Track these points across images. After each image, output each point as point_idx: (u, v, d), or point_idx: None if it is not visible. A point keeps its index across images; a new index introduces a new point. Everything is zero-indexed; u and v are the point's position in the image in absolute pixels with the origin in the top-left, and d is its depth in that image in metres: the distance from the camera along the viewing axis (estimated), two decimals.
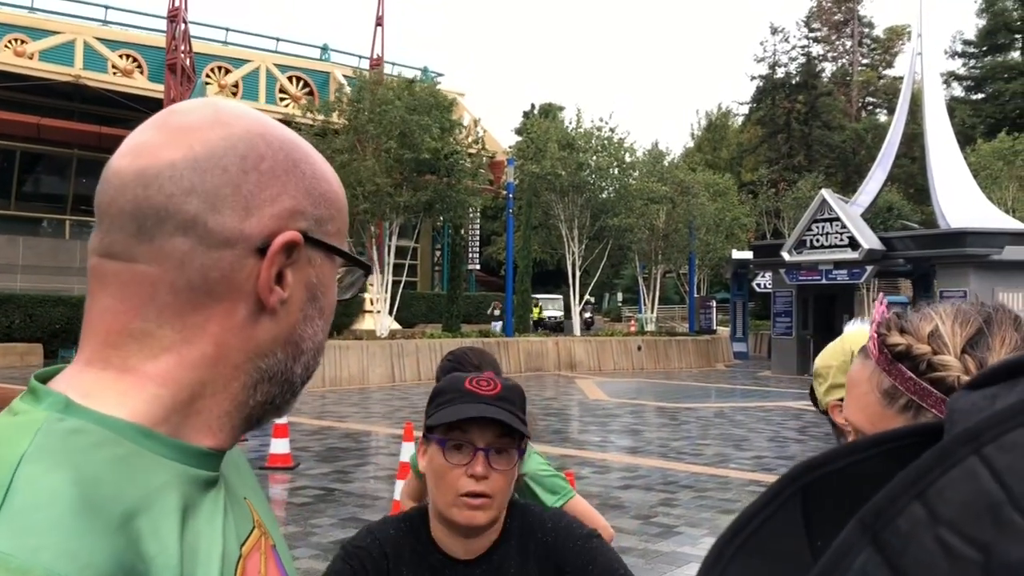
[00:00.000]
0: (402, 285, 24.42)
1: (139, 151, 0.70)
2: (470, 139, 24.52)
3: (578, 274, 27.82)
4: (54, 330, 23.94)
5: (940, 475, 0.28)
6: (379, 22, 34.25)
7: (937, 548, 0.27)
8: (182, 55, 28.14)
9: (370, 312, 25.71)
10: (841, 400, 1.66)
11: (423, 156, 21.16)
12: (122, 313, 0.69)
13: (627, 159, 28.25)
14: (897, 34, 55.74)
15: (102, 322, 0.70)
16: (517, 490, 2.44)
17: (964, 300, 1.02)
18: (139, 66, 32.68)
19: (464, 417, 1.53)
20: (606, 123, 28.06)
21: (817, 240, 23.09)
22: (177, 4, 27.90)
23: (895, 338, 0.96)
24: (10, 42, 30.11)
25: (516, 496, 1.75)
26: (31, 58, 29.96)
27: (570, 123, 29.41)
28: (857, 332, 1.71)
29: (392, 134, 21.18)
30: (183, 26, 28.29)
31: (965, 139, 42.59)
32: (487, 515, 1.55)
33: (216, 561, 0.67)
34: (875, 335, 1.00)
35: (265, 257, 0.70)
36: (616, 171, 28.04)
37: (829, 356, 1.72)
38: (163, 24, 29.89)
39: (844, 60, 58.28)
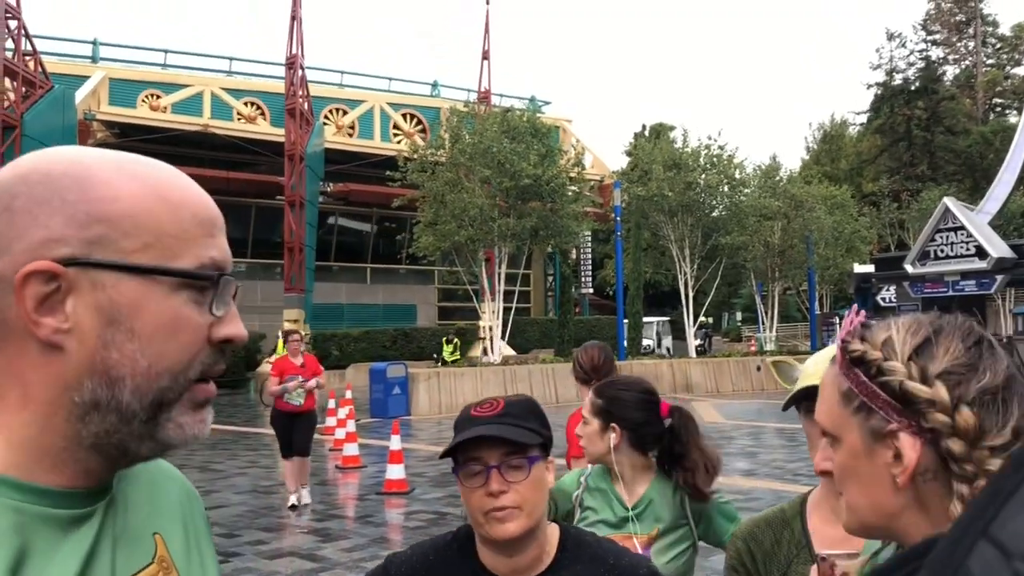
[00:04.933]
0: (513, 311, 24.75)
1: None
2: (570, 164, 24.76)
3: (691, 294, 27.50)
4: None
5: (999, 508, 0.28)
6: (485, 56, 35.08)
7: None
8: (300, 100, 29.56)
9: (483, 339, 26.17)
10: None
11: (523, 182, 21.56)
12: None
13: (737, 175, 27.84)
14: None
15: None
16: (692, 516, 2.43)
17: (930, 312, 1.07)
18: (262, 112, 34.48)
19: (461, 440, 1.60)
20: (715, 140, 27.77)
21: (942, 250, 22.14)
22: (295, 52, 29.37)
23: (854, 345, 1.03)
24: (146, 97, 32.35)
25: (568, 524, 1.77)
26: (164, 111, 32.10)
27: (677, 143, 29.27)
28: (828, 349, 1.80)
29: (490, 164, 21.70)
30: (300, 72, 29.73)
31: None
32: (517, 524, 1.59)
33: None
34: (840, 342, 1.07)
35: None
36: (726, 188, 27.67)
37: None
38: (283, 71, 31.49)
39: (967, 61, 55.74)
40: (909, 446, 0.96)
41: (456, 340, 24.92)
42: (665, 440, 2.46)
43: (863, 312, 1.17)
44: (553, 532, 1.70)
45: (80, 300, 0.72)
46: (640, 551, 2.30)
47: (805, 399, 1.68)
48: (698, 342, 29.27)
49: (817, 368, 1.71)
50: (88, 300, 0.73)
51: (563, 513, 2.56)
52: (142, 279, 0.74)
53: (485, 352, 24.38)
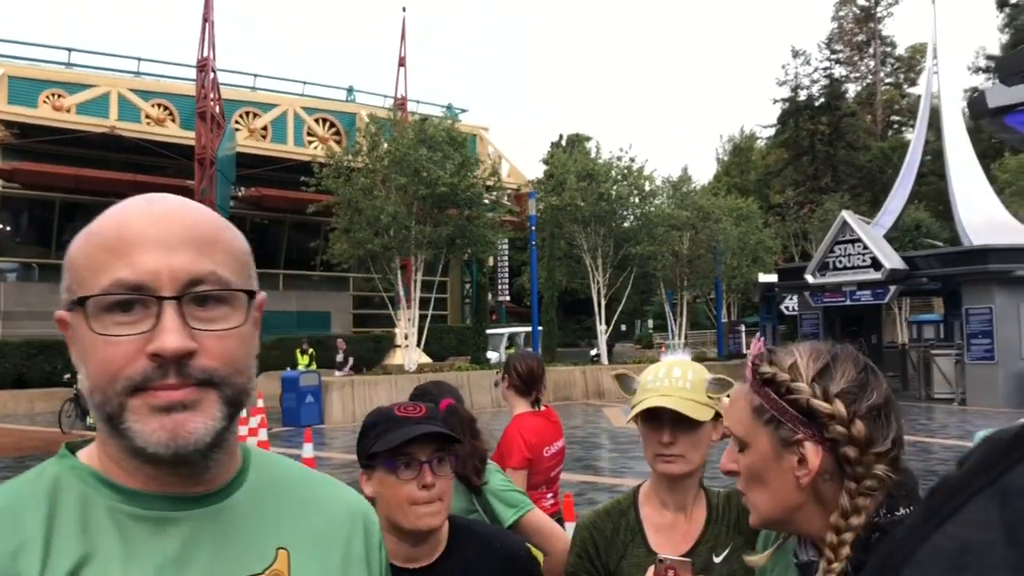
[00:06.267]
0: (428, 319, 24.74)
1: None
2: (487, 173, 24.91)
3: (603, 303, 28.00)
4: None
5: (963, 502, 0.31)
6: (401, 63, 35.04)
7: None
8: (211, 103, 28.98)
9: (400, 347, 26.12)
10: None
11: (439, 191, 21.63)
12: None
13: (647, 187, 28.48)
14: (920, 52, 55.52)
15: None
16: (480, 505, 2.69)
17: (819, 341, 1.29)
18: (171, 115, 33.68)
19: (412, 436, 1.74)
20: (625, 152, 28.37)
21: (840, 262, 23.10)
22: (206, 54, 28.80)
23: (765, 367, 1.22)
24: (48, 97, 31.24)
25: (459, 515, 1.94)
26: (68, 111, 31.05)
27: (591, 153, 29.76)
28: (672, 360, 2.00)
29: (406, 171, 21.70)
30: (212, 75, 29.16)
31: (995, 153, 42.27)
32: (441, 517, 1.78)
33: None
34: (750, 364, 1.26)
35: None
36: (636, 199, 28.28)
37: None
38: (193, 72, 30.86)
39: (867, 80, 58.24)
40: (812, 452, 1.16)
41: (311, 350, 23.68)
42: None
43: (763, 340, 1.42)
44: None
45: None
46: None
47: (647, 414, 1.89)
48: (595, 352, 29.60)
49: (657, 382, 1.92)
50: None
51: None
52: (73, 312, 0.88)
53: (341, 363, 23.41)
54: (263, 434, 13.54)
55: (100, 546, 0.84)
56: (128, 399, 0.84)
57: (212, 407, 0.86)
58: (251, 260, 0.96)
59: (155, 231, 0.86)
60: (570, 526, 5.05)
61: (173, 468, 0.87)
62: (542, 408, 3.94)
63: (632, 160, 28.08)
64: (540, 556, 2.84)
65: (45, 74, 32.08)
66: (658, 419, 1.88)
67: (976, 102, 18.84)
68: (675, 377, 1.91)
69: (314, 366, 22.85)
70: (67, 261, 0.89)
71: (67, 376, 20.17)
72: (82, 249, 0.88)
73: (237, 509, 0.92)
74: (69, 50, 34.20)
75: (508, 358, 4.05)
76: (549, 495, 3.84)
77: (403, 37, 34.84)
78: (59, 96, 31.41)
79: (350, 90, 40.91)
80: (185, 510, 0.88)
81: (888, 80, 58.51)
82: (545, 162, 51.72)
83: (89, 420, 20.56)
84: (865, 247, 22.45)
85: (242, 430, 15.58)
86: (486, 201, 24.45)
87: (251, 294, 0.91)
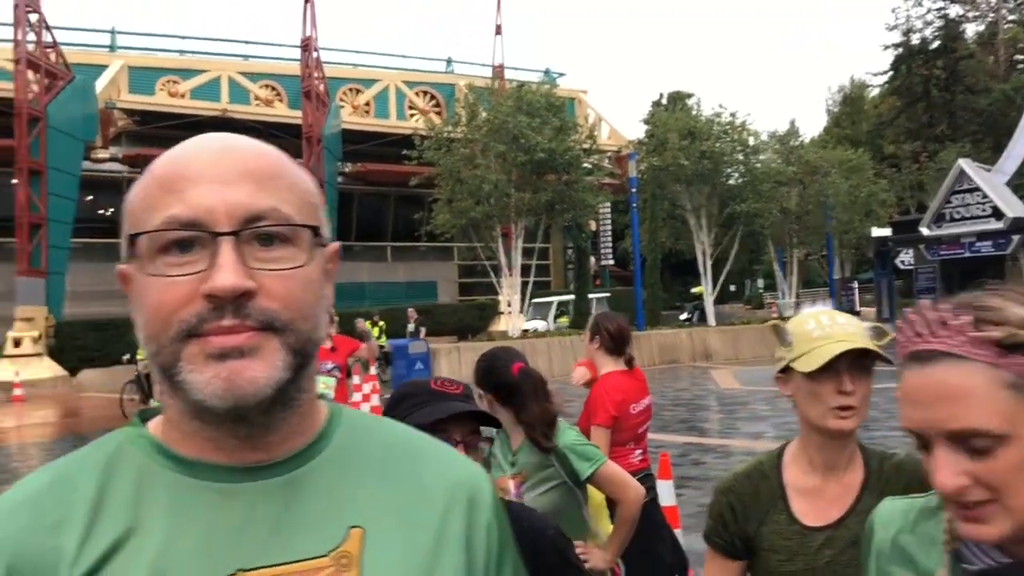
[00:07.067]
0: (531, 285, 24.96)
1: None
2: (583, 136, 24.80)
3: (709, 263, 27.63)
4: None
5: None
6: (498, 31, 35.18)
7: None
8: (316, 81, 29.81)
9: (504, 314, 26.50)
10: (781, 372, 1.81)
11: (537, 156, 21.74)
12: None
13: (751, 142, 27.82)
14: None
15: None
16: (557, 461, 2.82)
17: (1005, 284, 1.04)
18: (279, 95, 34.81)
19: (454, 413, 1.69)
20: (725, 108, 27.76)
21: (957, 212, 22.14)
22: (309, 34, 29.59)
23: (1001, 331, 0.95)
24: (165, 84, 32.77)
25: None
26: (183, 97, 32.52)
27: (693, 111, 29.24)
28: (824, 309, 1.84)
29: (504, 139, 21.88)
30: (315, 54, 29.95)
31: None
32: None
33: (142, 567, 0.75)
34: (968, 335, 0.97)
35: None
36: (740, 156, 27.67)
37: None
38: (298, 53, 31.79)
39: (988, 18, 54.84)
40: None
41: (381, 322, 23.02)
42: (513, 396, 2.79)
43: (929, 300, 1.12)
44: None
45: None
46: (513, 489, 2.68)
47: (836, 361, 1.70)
48: (684, 316, 28.95)
49: (827, 328, 1.75)
50: None
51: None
52: (131, 262, 0.81)
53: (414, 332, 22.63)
54: (375, 400, 14.10)
55: (147, 519, 0.77)
56: (182, 346, 0.76)
57: (274, 354, 0.77)
58: (319, 201, 0.88)
59: (211, 166, 0.79)
60: (663, 484, 5.15)
61: (233, 429, 0.79)
62: (634, 368, 4.08)
63: (733, 115, 27.48)
64: (600, 498, 2.98)
65: (161, 62, 33.64)
66: (834, 369, 1.70)
67: None
68: (841, 323, 1.76)
69: (384, 339, 22.19)
70: (125, 207, 0.82)
71: (126, 357, 17.87)
72: (138, 192, 0.81)
73: (308, 481, 0.82)
74: (182, 37, 35.78)
75: (595, 319, 4.16)
76: (637, 451, 3.97)
77: (499, 5, 34.93)
78: (174, 83, 32.90)
79: (449, 61, 41.33)
80: (246, 481, 0.80)
81: (1012, 17, 54.93)
82: (646, 122, 50.98)
83: (153, 402, 19.98)
84: (984, 196, 21.44)
85: (355, 396, 16.22)
86: (585, 165, 24.42)
87: (315, 230, 0.83)
